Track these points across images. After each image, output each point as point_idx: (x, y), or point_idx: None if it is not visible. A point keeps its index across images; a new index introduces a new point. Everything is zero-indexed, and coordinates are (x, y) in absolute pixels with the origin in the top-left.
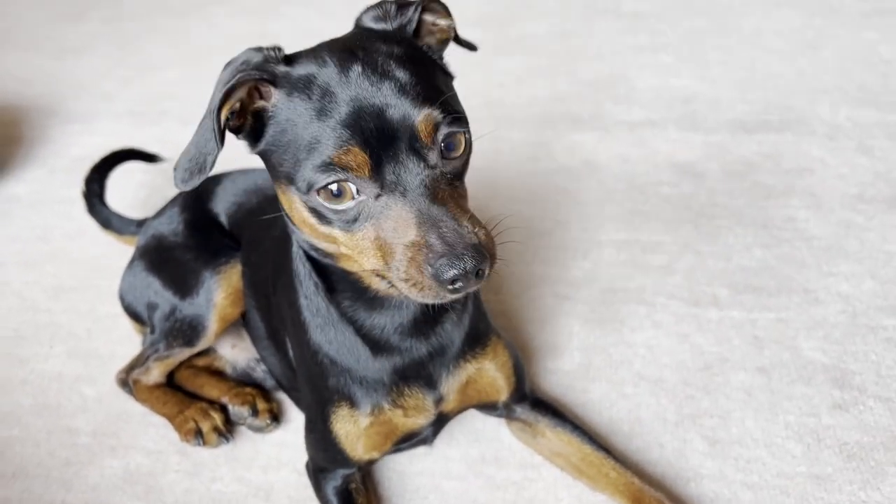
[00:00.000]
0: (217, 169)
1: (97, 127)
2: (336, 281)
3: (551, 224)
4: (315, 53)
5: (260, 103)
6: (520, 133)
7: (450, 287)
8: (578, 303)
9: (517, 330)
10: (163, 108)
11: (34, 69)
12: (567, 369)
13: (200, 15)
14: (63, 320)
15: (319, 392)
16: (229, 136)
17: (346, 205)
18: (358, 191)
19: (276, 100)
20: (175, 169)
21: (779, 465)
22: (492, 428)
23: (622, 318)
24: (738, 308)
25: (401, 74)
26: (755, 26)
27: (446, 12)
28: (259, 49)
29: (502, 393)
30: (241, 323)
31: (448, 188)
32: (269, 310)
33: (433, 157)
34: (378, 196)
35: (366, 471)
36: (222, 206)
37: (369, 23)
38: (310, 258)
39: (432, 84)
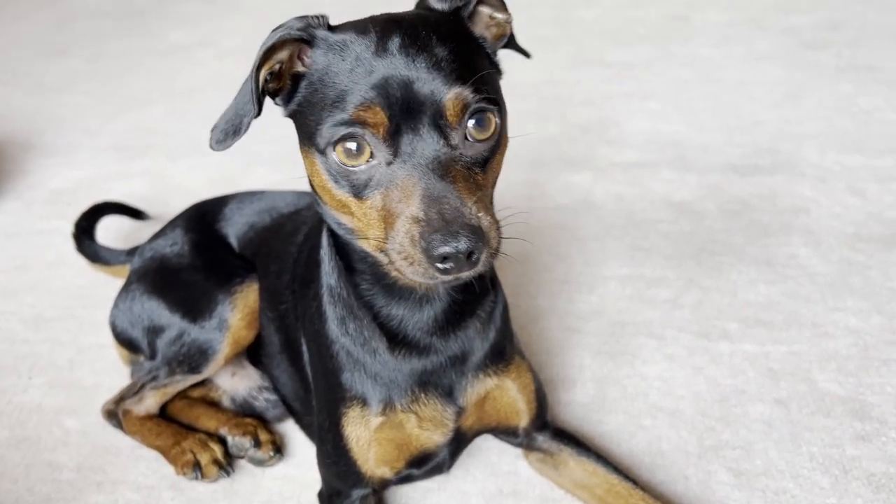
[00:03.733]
0: (221, 191)
1: (78, 160)
2: (356, 261)
3: (552, 259)
4: (360, 22)
5: (300, 68)
6: (513, 173)
7: (439, 266)
8: (587, 335)
9: None
10: (148, 143)
11: (12, 105)
12: (581, 401)
13: (187, 56)
14: (43, 350)
15: (332, 391)
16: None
17: (359, 166)
18: (372, 154)
19: (311, 61)
20: (212, 130)
21: (808, 497)
22: (508, 461)
23: (633, 350)
24: (750, 341)
25: (439, 50)
26: (737, 78)
27: (504, 7)
28: (304, 17)
29: (523, 417)
30: (243, 352)
31: (464, 170)
32: (285, 319)
33: (456, 137)
34: (390, 164)
35: (379, 496)
36: (232, 227)
37: (433, 3)
38: (335, 238)
39: (471, 64)
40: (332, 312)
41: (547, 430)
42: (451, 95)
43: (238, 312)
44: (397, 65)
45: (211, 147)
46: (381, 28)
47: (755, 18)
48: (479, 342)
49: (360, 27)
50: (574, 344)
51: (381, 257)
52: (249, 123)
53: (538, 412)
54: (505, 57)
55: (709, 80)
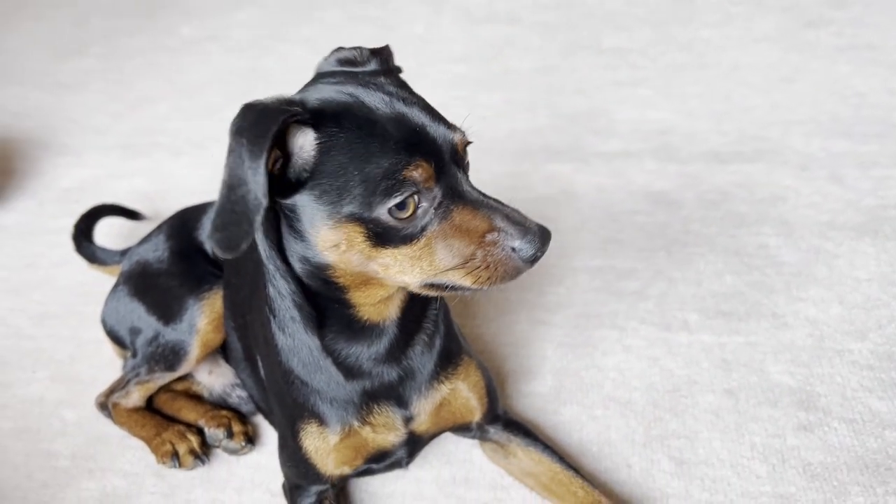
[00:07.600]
0: (203, 198)
1: (87, 160)
2: (328, 316)
3: None
4: (324, 93)
5: (291, 146)
6: (500, 165)
7: (530, 263)
8: (553, 327)
9: (492, 353)
10: (154, 141)
11: (30, 104)
12: (539, 392)
13: (195, 51)
14: (47, 346)
15: (289, 409)
16: None
17: (409, 217)
18: (418, 203)
19: (312, 140)
20: (212, 240)
21: (744, 485)
22: (464, 450)
23: (594, 342)
24: (708, 332)
25: (421, 100)
26: (733, 60)
27: None
28: (285, 98)
29: (475, 413)
30: (218, 350)
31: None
32: (246, 330)
33: (465, 170)
34: (440, 203)
35: (339, 487)
36: (208, 234)
37: (335, 67)
38: (307, 295)
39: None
40: (284, 345)
41: (498, 422)
42: (457, 138)
43: (205, 317)
44: (406, 116)
45: (223, 255)
46: (356, 90)
47: None
48: (427, 356)
49: (334, 95)
50: (540, 336)
51: (379, 309)
52: (263, 216)
53: (489, 407)
54: (501, 43)
55: (704, 64)
